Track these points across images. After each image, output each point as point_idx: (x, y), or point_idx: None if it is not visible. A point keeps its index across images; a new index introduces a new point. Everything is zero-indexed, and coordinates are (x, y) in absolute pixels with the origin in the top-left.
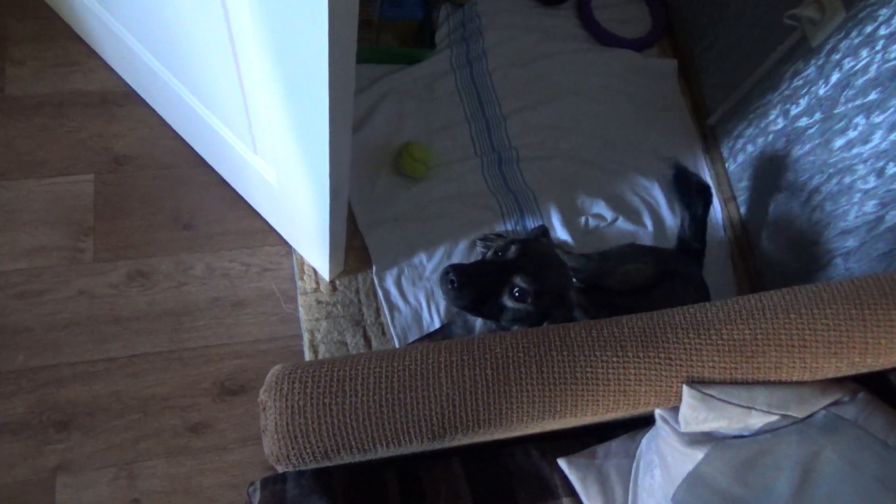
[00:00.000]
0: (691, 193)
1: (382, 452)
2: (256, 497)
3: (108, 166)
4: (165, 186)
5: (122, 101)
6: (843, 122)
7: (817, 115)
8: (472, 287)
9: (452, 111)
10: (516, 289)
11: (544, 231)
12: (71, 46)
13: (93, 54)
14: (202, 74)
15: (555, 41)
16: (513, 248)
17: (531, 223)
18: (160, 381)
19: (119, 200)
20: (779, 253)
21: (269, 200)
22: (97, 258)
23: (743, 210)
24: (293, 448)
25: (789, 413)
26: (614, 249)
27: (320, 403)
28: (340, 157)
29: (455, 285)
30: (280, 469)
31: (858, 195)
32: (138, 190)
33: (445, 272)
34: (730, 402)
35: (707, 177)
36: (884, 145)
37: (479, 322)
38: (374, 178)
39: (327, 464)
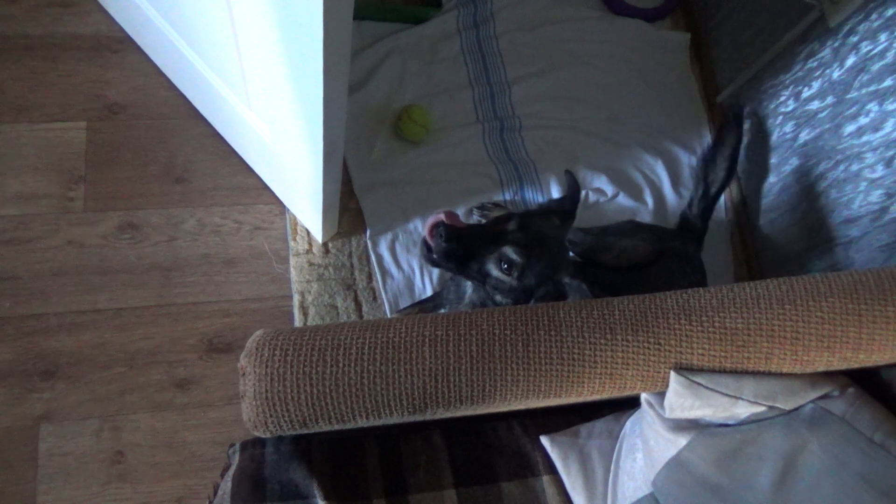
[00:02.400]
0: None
1: (362, 423)
2: (235, 459)
3: (100, 114)
4: (159, 137)
5: (116, 48)
6: (854, 108)
7: (829, 99)
8: (458, 243)
9: (456, 75)
10: (503, 260)
11: (570, 210)
12: None
13: None
14: (197, 23)
15: (565, 7)
16: (512, 221)
17: (530, 194)
18: (147, 335)
19: (111, 150)
20: (779, 237)
21: (263, 157)
22: (87, 208)
23: (746, 192)
24: (271, 415)
25: (776, 405)
26: (613, 225)
27: (300, 372)
28: (335, 115)
29: (443, 238)
30: (258, 435)
31: (865, 184)
32: (131, 140)
33: (436, 224)
34: (717, 391)
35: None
36: (895, 134)
37: (469, 290)
38: (373, 140)
39: (305, 431)
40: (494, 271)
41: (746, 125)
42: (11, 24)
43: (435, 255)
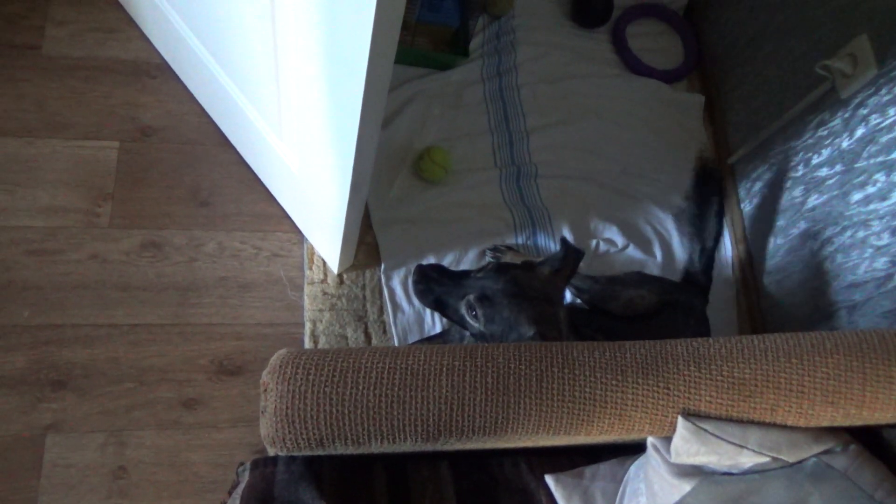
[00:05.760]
0: (710, 194)
1: (376, 447)
2: (245, 477)
3: (133, 135)
4: (187, 162)
5: (154, 73)
6: (862, 177)
7: (838, 167)
8: (429, 288)
9: (477, 120)
10: (469, 305)
11: (573, 260)
12: (111, 13)
13: (131, 23)
14: (239, 55)
15: (586, 63)
16: (485, 270)
17: (542, 239)
18: (160, 353)
19: (140, 170)
20: (784, 298)
21: (288, 187)
22: (113, 224)
23: (753, 252)
24: (290, 432)
25: (780, 456)
26: (621, 275)
27: (321, 391)
28: (366, 152)
29: (415, 280)
30: (273, 452)
31: (870, 251)
32: (160, 162)
33: (415, 268)
34: (723, 439)
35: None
36: None
37: (468, 334)
38: (393, 178)
39: (321, 452)
40: (467, 316)
41: (755, 188)
42: (57, 46)
43: (416, 296)
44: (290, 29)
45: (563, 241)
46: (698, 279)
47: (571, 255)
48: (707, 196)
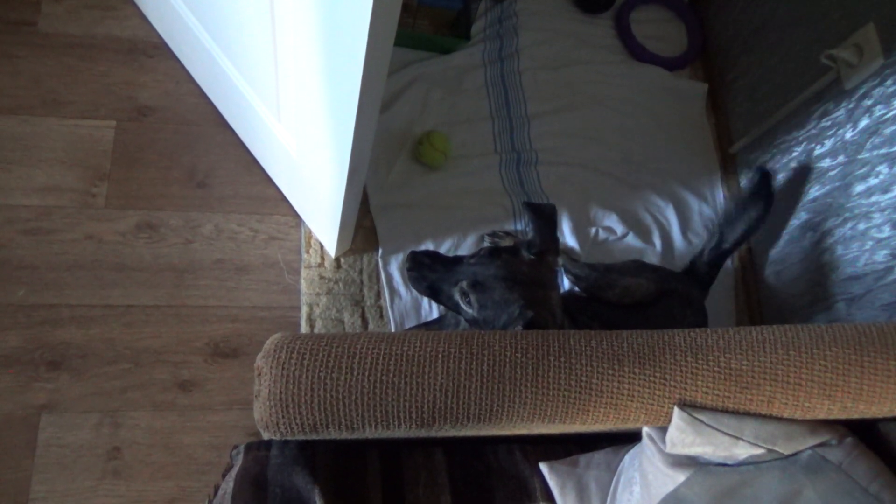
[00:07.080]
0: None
1: (370, 433)
2: (239, 460)
3: (130, 115)
4: (184, 143)
5: (151, 52)
6: (865, 169)
7: (841, 158)
8: (422, 275)
9: (478, 105)
10: (463, 291)
11: (548, 228)
12: None
13: (129, 1)
14: (237, 35)
15: (589, 49)
16: (476, 256)
17: None
18: (155, 334)
19: (137, 150)
20: (783, 289)
21: (286, 170)
22: (109, 205)
23: (753, 242)
24: (283, 417)
25: (775, 448)
26: (618, 263)
27: (315, 376)
28: (364, 135)
29: (408, 267)
30: (267, 436)
31: (871, 243)
32: (157, 142)
33: (408, 255)
34: (718, 430)
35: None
36: None
37: (463, 320)
38: (392, 162)
39: (314, 437)
40: (461, 302)
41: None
42: (53, 23)
43: (411, 283)
44: (287, 9)
45: (527, 206)
46: (701, 271)
47: (542, 224)
48: (753, 206)
